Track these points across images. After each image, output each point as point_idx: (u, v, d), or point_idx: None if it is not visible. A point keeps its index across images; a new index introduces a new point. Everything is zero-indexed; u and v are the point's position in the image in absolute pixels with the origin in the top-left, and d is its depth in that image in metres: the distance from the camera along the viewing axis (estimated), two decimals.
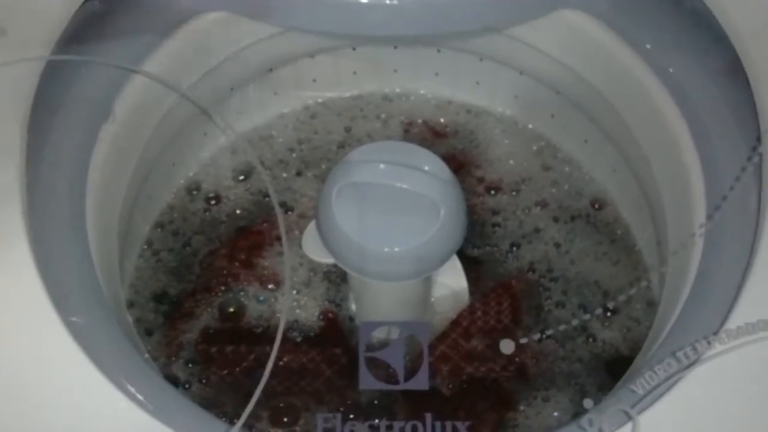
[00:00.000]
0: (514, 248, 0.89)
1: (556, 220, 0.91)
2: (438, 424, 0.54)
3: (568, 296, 0.86)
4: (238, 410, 0.78)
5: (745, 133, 0.65)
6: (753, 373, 0.54)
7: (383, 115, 0.97)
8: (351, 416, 0.80)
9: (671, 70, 0.71)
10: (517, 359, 0.81)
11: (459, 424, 0.54)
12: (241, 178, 0.94)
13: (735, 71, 0.66)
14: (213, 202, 0.92)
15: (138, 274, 0.88)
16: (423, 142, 0.93)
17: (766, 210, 0.60)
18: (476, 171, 0.94)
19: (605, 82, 0.79)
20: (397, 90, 0.98)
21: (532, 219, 0.91)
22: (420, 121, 0.97)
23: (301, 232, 0.78)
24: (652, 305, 0.83)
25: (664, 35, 0.73)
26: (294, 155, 0.95)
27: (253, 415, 0.76)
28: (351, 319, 0.85)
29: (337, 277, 0.86)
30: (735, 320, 0.55)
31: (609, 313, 0.85)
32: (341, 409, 0.80)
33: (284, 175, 0.94)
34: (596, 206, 0.92)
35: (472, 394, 0.80)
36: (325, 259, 0.74)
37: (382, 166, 0.69)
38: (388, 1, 0.77)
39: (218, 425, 0.59)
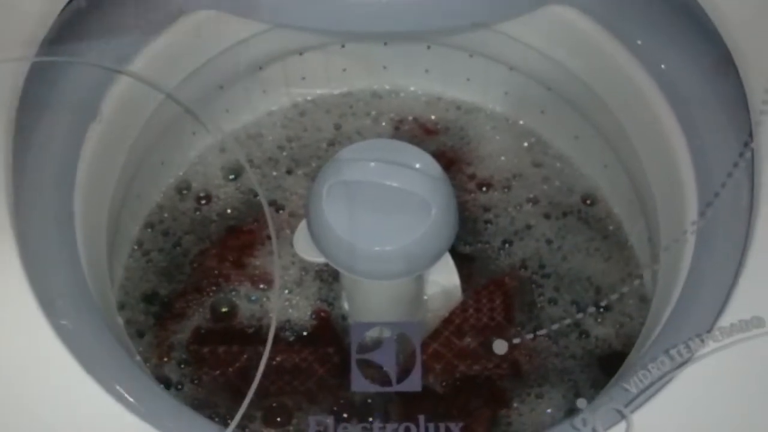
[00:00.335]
0: (506, 245, 0.89)
1: (547, 216, 0.91)
2: (431, 425, 0.54)
3: (560, 292, 0.86)
4: (231, 411, 0.79)
5: (737, 128, 0.65)
6: (747, 370, 0.54)
7: (373, 113, 0.97)
8: (344, 415, 0.79)
9: (663, 66, 0.71)
10: (510, 356, 0.81)
11: (452, 426, 0.53)
12: (231, 177, 0.93)
13: (725, 66, 0.66)
14: (203, 201, 0.92)
15: (128, 274, 0.87)
16: (413, 139, 0.93)
17: (759, 206, 0.60)
18: (467, 168, 0.93)
19: (595, 77, 0.79)
20: (387, 87, 0.97)
21: (524, 215, 0.91)
22: (410, 118, 0.97)
23: (292, 231, 0.78)
24: (645, 301, 0.83)
25: (654, 30, 0.73)
26: (284, 153, 0.95)
27: (246, 416, 0.76)
28: (343, 318, 0.85)
29: (329, 276, 0.86)
30: (728, 317, 0.55)
31: (602, 309, 0.84)
32: (334, 408, 0.80)
33: (274, 173, 0.93)
34: (588, 202, 0.92)
35: (466, 392, 0.80)
36: (317, 258, 0.74)
37: (372, 164, 0.69)
38: None
39: (211, 427, 0.59)
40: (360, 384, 0.60)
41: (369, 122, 0.96)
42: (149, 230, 0.90)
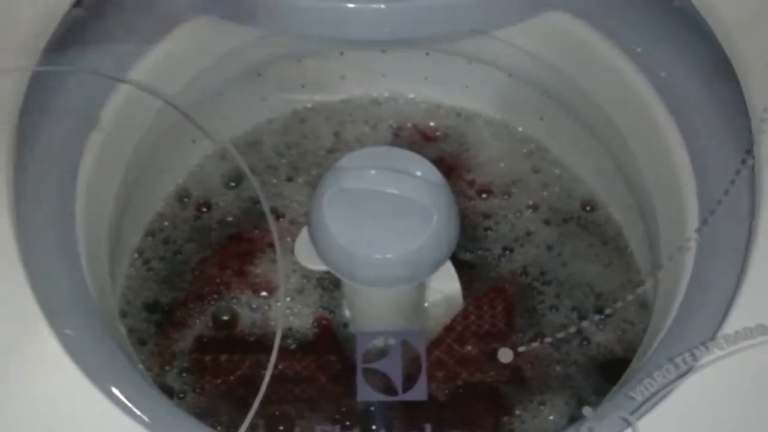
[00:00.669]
0: (507, 252, 0.89)
1: (547, 222, 0.91)
2: None
3: (561, 299, 0.86)
4: (234, 419, 0.79)
5: (737, 135, 0.65)
6: (752, 377, 0.54)
7: (372, 120, 0.97)
8: (347, 423, 0.79)
9: (662, 73, 0.71)
10: (511, 363, 0.81)
11: None
12: (232, 184, 0.93)
13: (725, 72, 0.66)
14: (204, 209, 0.92)
15: (129, 283, 0.87)
16: (412, 146, 0.93)
17: (760, 214, 0.60)
18: (467, 174, 0.93)
19: (594, 84, 0.79)
20: (386, 94, 0.97)
21: (524, 222, 0.91)
22: (409, 125, 0.97)
23: (293, 239, 0.78)
24: (645, 307, 0.83)
25: (653, 36, 0.73)
26: (283, 161, 0.95)
27: (249, 425, 0.76)
28: (345, 325, 0.84)
29: (330, 284, 0.86)
30: (731, 325, 0.55)
31: (603, 317, 0.84)
32: (337, 416, 0.79)
33: (274, 180, 0.93)
34: (587, 208, 0.92)
35: (468, 399, 0.80)
36: (318, 266, 0.74)
37: (373, 172, 0.69)
38: (375, 5, 0.76)
39: None
40: (366, 393, 0.60)
41: (368, 129, 0.96)
42: (150, 238, 0.90)
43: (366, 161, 0.70)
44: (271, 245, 0.89)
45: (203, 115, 0.85)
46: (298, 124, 0.97)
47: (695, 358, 0.52)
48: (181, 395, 0.81)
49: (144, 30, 0.75)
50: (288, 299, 0.85)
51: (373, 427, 0.79)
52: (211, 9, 0.77)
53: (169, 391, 0.80)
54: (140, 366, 0.67)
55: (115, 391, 0.57)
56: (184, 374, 0.82)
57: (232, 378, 0.81)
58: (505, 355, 0.59)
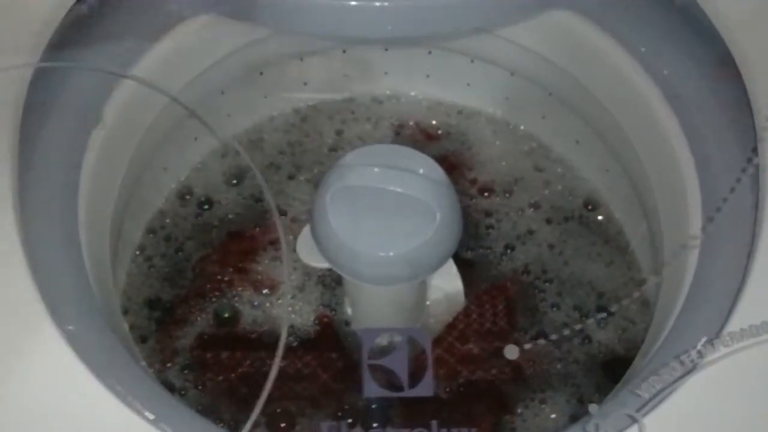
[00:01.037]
0: (508, 250, 0.89)
1: (549, 221, 0.91)
2: (444, 431, 0.54)
3: (562, 297, 0.86)
4: (235, 416, 0.79)
5: (741, 134, 0.65)
6: (758, 375, 0.54)
7: (374, 118, 0.97)
8: (348, 421, 0.79)
9: (665, 72, 0.71)
10: (513, 362, 0.81)
11: (464, 431, 0.53)
12: (234, 182, 0.93)
13: (729, 71, 0.66)
14: (205, 206, 0.92)
15: (130, 280, 0.87)
16: (414, 144, 0.93)
17: (764, 213, 0.60)
18: (468, 173, 0.93)
19: (597, 82, 0.79)
20: (388, 92, 0.97)
21: (526, 220, 0.91)
22: (411, 123, 0.97)
23: (295, 237, 0.78)
24: (647, 305, 0.84)
25: (656, 35, 0.73)
26: (285, 159, 0.95)
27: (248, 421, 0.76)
28: (346, 323, 0.84)
29: (331, 282, 0.86)
30: (735, 323, 0.55)
31: (599, 315, 0.84)
32: (338, 413, 0.80)
33: (276, 178, 0.93)
34: (589, 207, 0.92)
35: (469, 398, 0.80)
36: (320, 263, 0.74)
37: (376, 169, 0.69)
38: (377, 3, 0.76)
39: None
40: (372, 390, 0.60)
41: (370, 127, 0.96)
42: (151, 236, 0.90)
43: (369, 159, 0.70)
44: (272, 243, 0.89)
45: (205, 112, 0.84)
46: (300, 122, 0.97)
47: (701, 356, 0.52)
48: (182, 392, 0.81)
49: (146, 28, 0.76)
50: (289, 297, 0.85)
51: (375, 424, 0.78)
52: (214, 7, 0.77)
53: (170, 388, 0.80)
54: (143, 363, 0.67)
55: (119, 387, 0.57)
56: (185, 371, 0.82)
57: (233, 375, 0.81)
58: (512, 352, 0.59)
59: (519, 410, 0.79)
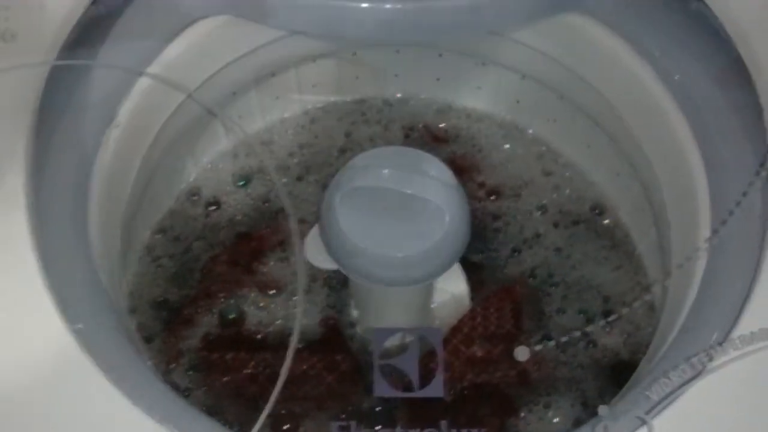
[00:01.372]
0: (515, 253, 0.89)
1: (556, 225, 0.91)
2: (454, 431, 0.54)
3: (568, 301, 0.86)
4: (240, 417, 0.79)
5: (752, 140, 0.65)
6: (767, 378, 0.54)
7: (384, 120, 0.97)
8: (354, 422, 0.79)
9: (677, 77, 0.71)
10: (518, 365, 0.81)
11: None
12: (242, 183, 0.93)
13: (741, 77, 0.66)
14: (213, 207, 0.92)
15: (138, 280, 0.87)
16: (423, 147, 0.91)
17: None
18: (477, 176, 0.94)
19: (609, 86, 0.79)
20: (398, 95, 0.98)
21: (533, 224, 0.91)
22: (421, 125, 0.97)
23: (302, 238, 0.78)
24: (652, 310, 0.84)
25: (668, 39, 0.73)
26: (295, 160, 0.95)
27: (254, 422, 0.76)
28: (352, 325, 0.84)
29: (337, 283, 0.86)
30: (744, 326, 0.55)
31: (610, 319, 0.84)
32: (343, 415, 0.79)
33: (285, 179, 0.93)
34: (597, 211, 0.92)
35: (474, 400, 0.80)
36: (328, 265, 0.74)
37: (386, 171, 0.69)
38: (389, 6, 0.77)
39: None
40: (383, 389, 0.60)
41: (380, 129, 0.97)
42: (159, 236, 0.90)
43: (379, 161, 0.70)
44: (280, 244, 0.89)
45: (218, 112, 0.85)
46: (310, 124, 0.97)
47: (711, 359, 0.52)
48: (187, 393, 0.81)
49: (159, 28, 0.76)
50: (295, 298, 0.85)
51: (378, 427, 0.78)
52: (227, 8, 0.78)
53: (175, 389, 0.80)
54: (150, 362, 0.67)
55: (128, 386, 0.57)
56: (190, 372, 0.82)
57: (238, 376, 0.81)
58: (522, 353, 0.59)
59: (523, 414, 0.79)
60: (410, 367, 0.61)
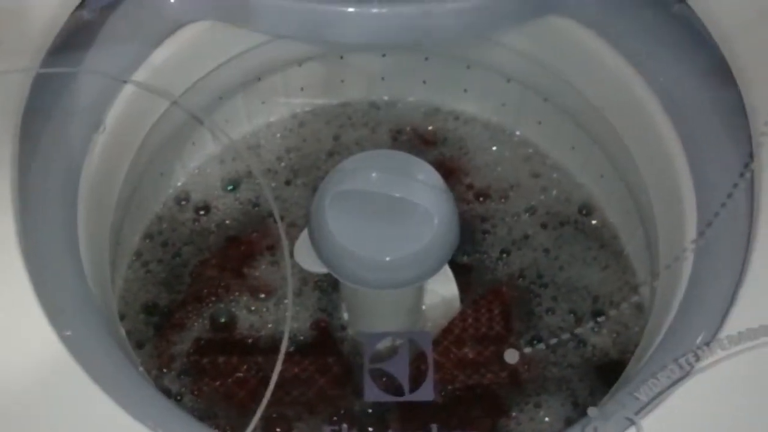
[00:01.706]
0: (504, 255, 0.89)
1: (544, 226, 0.91)
2: None
3: (558, 302, 0.87)
4: (231, 422, 0.79)
5: (737, 141, 0.65)
6: (755, 378, 0.55)
7: (371, 123, 0.97)
8: (345, 425, 0.79)
9: (662, 79, 0.72)
10: (508, 366, 0.82)
11: None
12: (230, 188, 0.93)
13: (725, 79, 0.67)
14: (202, 212, 0.92)
15: (127, 285, 0.87)
16: (411, 150, 0.93)
17: (760, 218, 0.61)
18: (465, 178, 0.94)
19: (593, 88, 0.80)
20: (385, 98, 0.98)
21: (521, 225, 0.91)
22: (408, 128, 0.97)
23: (292, 242, 0.78)
24: (641, 309, 0.84)
25: (652, 41, 0.73)
26: (282, 164, 0.95)
27: (246, 426, 0.76)
28: (343, 327, 0.85)
29: (328, 286, 0.86)
30: (731, 326, 0.55)
31: (599, 318, 0.85)
32: (334, 418, 0.80)
33: (273, 184, 0.94)
34: (584, 212, 0.92)
35: (465, 401, 0.81)
36: (318, 269, 0.74)
37: (374, 174, 0.69)
38: (375, 10, 0.77)
39: None
40: (373, 394, 0.60)
41: (367, 133, 0.97)
42: (148, 241, 0.90)
43: (367, 164, 0.70)
44: (269, 248, 0.89)
45: (204, 118, 0.85)
46: (297, 128, 0.97)
47: (698, 359, 0.53)
48: (179, 398, 0.81)
49: (145, 34, 0.76)
50: (286, 301, 0.85)
51: (370, 429, 0.79)
52: (212, 13, 0.78)
53: (166, 394, 0.80)
54: (141, 368, 0.67)
55: (118, 393, 0.57)
56: (181, 376, 0.82)
57: (230, 380, 0.81)
58: (511, 356, 0.60)
59: (514, 414, 0.80)
60: (401, 371, 0.61)
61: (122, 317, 0.85)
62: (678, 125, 0.70)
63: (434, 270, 0.72)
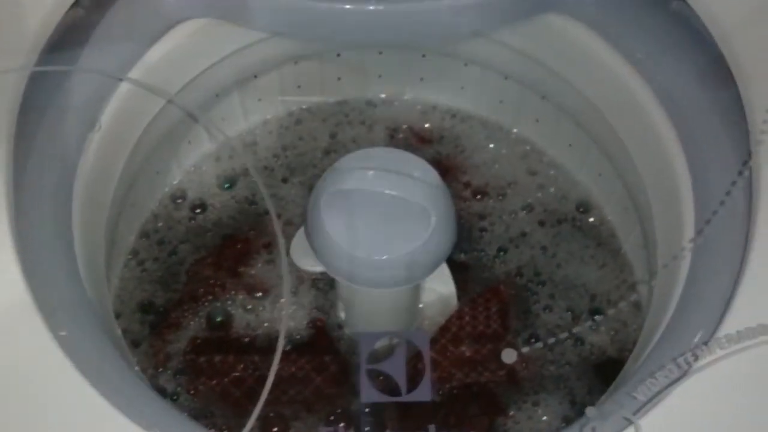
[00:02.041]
0: (501, 253, 0.89)
1: (542, 224, 0.91)
2: None
3: (555, 300, 0.87)
4: (228, 421, 0.79)
5: (735, 139, 0.65)
6: (753, 377, 0.54)
7: (368, 121, 0.97)
8: (342, 424, 0.79)
9: (660, 77, 0.71)
10: (506, 364, 0.82)
11: None
12: (227, 185, 0.93)
13: (724, 77, 0.66)
14: (198, 210, 0.92)
15: (123, 284, 0.87)
16: (408, 148, 0.92)
17: (758, 217, 0.60)
18: (462, 176, 0.94)
19: (591, 86, 0.79)
20: (382, 95, 0.98)
21: (519, 223, 0.91)
22: (405, 126, 0.97)
23: (288, 240, 0.78)
24: (638, 307, 0.84)
25: (651, 40, 0.73)
26: (279, 162, 0.95)
27: (242, 425, 0.76)
28: (339, 326, 0.84)
29: (325, 285, 0.86)
30: (729, 325, 0.55)
31: (596, 317, 0.85)
32: (331, 417, 0.79)
33: (269, 181, 0.93)
34: (582, 210, 0.92)
35: (463, 400, 0.80)
36: (314, 267, 0.74)
37: (371, 172, 0.69)
38: (372, 7, 0.77)
39: None
40: (370, 394, 0.60)
41: (364, 131, 0.97)
42: (144, 239, 0.90)
43: (364, 162, 0.70)
44: (266, 246, 0.89)
45: (200, 115, 0.85)
46: (294, 125, 0.97)
47: (696, 358, 0.52)
48: (175, 397, 0.80)
49: (141, 31, 0.75)
50: (282, 300, 0.85)
51: (367, 428, 0.78)
52: (208, 11, 0.77)
53: (162, 393, 0.80)
54: (137, 368, 0.66)
55: (112, 393, 0.56)
56: (177, 376, 0.82)
57: (226, 380, 0.81)
58: (509, 356, 0.59)
59: (512, 412, 0.80)
60: (397, 371, 0.61)
61: (118, 316, 0.84)
62: (676, 123, 0.70)
63: (432, 268, 0.72)
